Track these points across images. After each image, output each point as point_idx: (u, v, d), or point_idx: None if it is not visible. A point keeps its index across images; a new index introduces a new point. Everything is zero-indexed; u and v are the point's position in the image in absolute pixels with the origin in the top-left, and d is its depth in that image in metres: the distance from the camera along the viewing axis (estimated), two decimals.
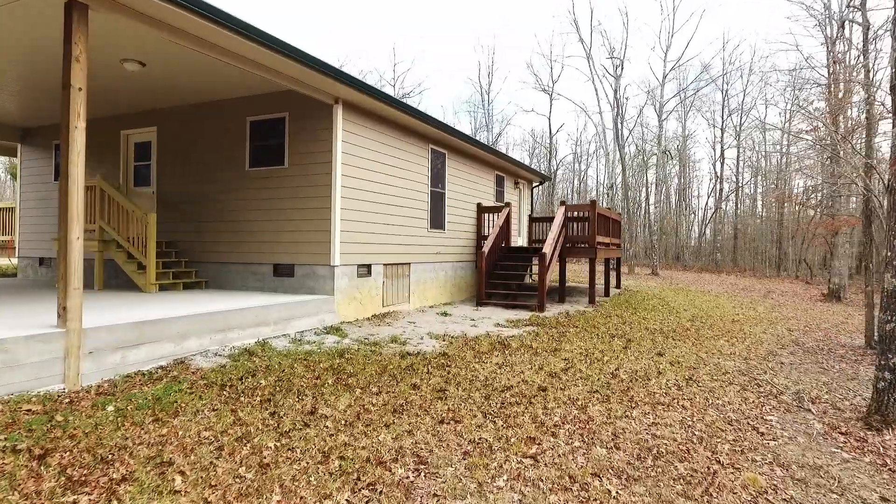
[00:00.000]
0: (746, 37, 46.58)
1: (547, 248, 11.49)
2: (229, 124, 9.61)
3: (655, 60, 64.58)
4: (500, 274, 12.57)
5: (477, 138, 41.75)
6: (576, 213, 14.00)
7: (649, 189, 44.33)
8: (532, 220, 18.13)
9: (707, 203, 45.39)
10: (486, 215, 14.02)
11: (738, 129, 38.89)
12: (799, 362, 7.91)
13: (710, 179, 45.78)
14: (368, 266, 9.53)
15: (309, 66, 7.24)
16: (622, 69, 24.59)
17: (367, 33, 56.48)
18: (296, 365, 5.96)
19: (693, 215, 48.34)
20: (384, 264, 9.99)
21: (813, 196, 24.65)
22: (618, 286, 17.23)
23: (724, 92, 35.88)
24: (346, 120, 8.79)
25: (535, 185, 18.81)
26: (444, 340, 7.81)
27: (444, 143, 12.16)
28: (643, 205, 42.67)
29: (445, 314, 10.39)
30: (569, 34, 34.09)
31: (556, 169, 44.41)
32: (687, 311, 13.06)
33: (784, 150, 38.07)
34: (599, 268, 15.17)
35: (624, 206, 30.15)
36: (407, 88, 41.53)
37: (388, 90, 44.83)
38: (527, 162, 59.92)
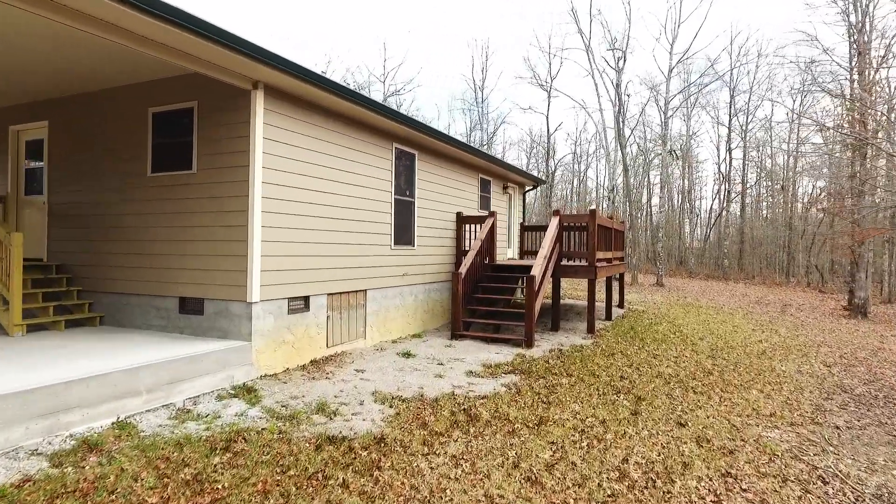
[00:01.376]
0: (758, 28, 44.55)
1: (536, 270, 9.43)
2: (128, 117, 7.56)
3: (661, 53, 62.45)
4: (480, 298, 10.52)
5: (467, 140, 39.72)
6: (573, 224, 11.97)
7: (652, 190, 42.33)
8: (524, 228, 16.10)
9: (712, 205, 43.39)
10: (468, 226, 11.97)
11: (744, 128, 36.89)
12: (858, 424, 5.95)
13: (715, 180, 43.80)
14: (305, 298, 7.47)
15: (206, 38, 5.20)
16: (624, 62, 22.56)
17: (354, 29, 54.42)
18: (145, 473, 3.91)
19: (697, 218, 46.33)
20: (329, 294, 7.92)
21: (838, 201, 22.60)
22: (621, 304, 15.17)
23: (732, 88, 33.84)
24: (269, 111, 6.73)
25: (527, 189, 16.76)
26: (390, 407, 5.76)
27: (413, 141, 10.11)
28: (645, 206, 40.64)
29: (408, 355, 8.31)
30: (567, 24, 31.98)
31: (555, 169, 42.36)
32: (703, 339, 11.01)
33: (793, 150, 36.05)
34: (601, 285, 13.16)
35: (625, 208, 28.10)
36: (398, 85, 39.55)
37: (378, 88, 42.82)
38: (524, 162, 57.80)
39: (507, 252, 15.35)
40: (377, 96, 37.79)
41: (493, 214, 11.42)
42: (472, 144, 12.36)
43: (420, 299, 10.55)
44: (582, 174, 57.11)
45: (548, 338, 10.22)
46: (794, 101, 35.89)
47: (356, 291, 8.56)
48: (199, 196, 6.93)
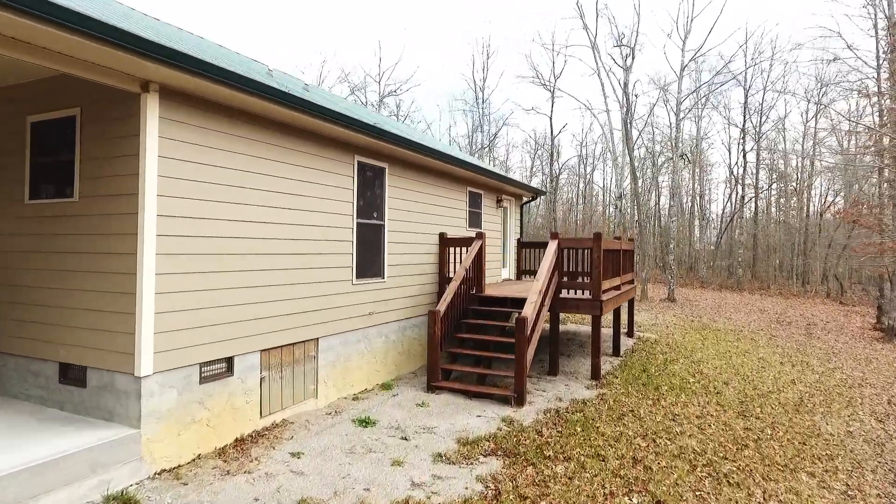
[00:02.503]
0: (777, 23, 42.49)
1: (528, 310, 7.76)
2: (4, 128, 5.96)
3: (672, 50, 60.33)
4: (464, 338, 8.84)
5: (469, 142, 37.99)
6: (575, 246, 10.31)
7: (660, 192, 40.49)
8: (522, 245, 14.43)
9: (724, 209, 41.51)
10: (454, 249, 10.30)
11: (757, 129, 35.03)
12: None
13: (726, 183, 41.95)
14: (228, 360, 5.83)
15: (58, 25, 3.59)
16: (632, 60, 20.82)
17: (348, 27, 52.77)
18: None
19: (707, 222, 44.45)
20: (264, 350, 6.28)
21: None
22: (630, 332, 13.45)
23: (746, 88, 32.01)
24: (169, 121, 5.09)
25: (525, 201, 15.07)
26: None
27: (382, 153, 8.46)
28: (654, 208, 38.81)
29: (367, 422, 6.64)
30: (572, 19, 30.01)
31: (559, 173, 40.67)
32: (728, 384, 9.32)
33: (809, 152, 34.17)
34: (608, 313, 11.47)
35: (633, 214, 26.34)
36: (394, 85, 37.98)
37: (374, 88, 41.22)
38: (528, 165, 56.07)
39: (502, 272, 13.68)
40: (373, 97, 36.20)
41: (480, 236, 9.75)
42: (461, 155, 10.73)
43: (392, 340, 8.89)
44: (588, 176, 55.44)
45: (543, 387, 8.54)
46: (809, 101, 34.01)
47: (304, 342, 6.90)
48: (82, 232, 5.31)
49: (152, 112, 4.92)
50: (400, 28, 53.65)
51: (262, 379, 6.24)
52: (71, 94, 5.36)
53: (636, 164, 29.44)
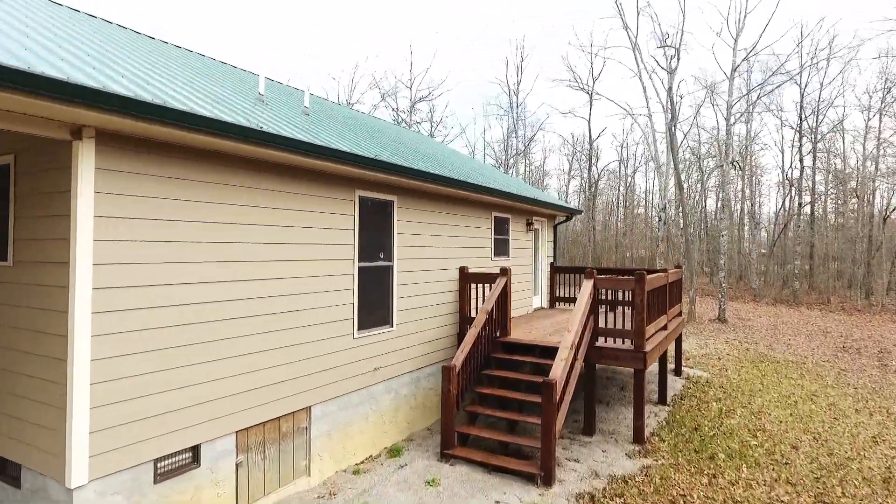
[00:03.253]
0: (840, 17, 39.51)
1: (557, 371, 6.58)
2: None
3: (722, 49, 57.42)
4: (485, 394, 7.72)
5: (503, 146, 36.60)
6: (614, 285, 9.08)
7: (706, 193, 38.22)
8: (556, 270, 13.21)
9: (777, 215, 38.93)
10: (476, 286, 9.20)
11: (814, 130, 32.51)
12: None
13: (780, 187, 39.38)
14: (193, 449, 4.90)
15: None
16: (677, 61, 19.18)
17: (379, 32, 52.14)
18: None
19: (758, 228, 41.85)
20: (240, 431, 5.34)
21: None
22: (678, 370, 12.03)
23: (803, 87, 29.68)
24: (108, 171, 4.18)
25: (559, 221, 13.82)
26: None
27: (388, 185, 7.45)
28: (699, 213, 36.62)
29: None
30: (611, 18, 28.20)
31: (598, 178, 38.98)
32: (798, 448, 7.90)
33: (873, 153, 31.52)
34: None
35: (679, 221, 24.59)
36: (425, 91, 37.05)
37: (405, 94, 40.45)
38: (566, 169, 54.41)
39: (533, 301, 12.48)
40: (404, 103, 35.40)
41: (504, 273, 8.62)
42: (486, 176, 9.56)
43: (403, 394, 7.85)
44: (629, 178, 53.36)
45: (577, 453, 7.33)
46: (872, 98, 31.37)
47: (292, 413, 5.94)
48: (16, 303, 4.47)
49: (87, 163, 4.03)
50: (431, 31, 52.79)
51: (238, 465, 5.30)
52: (3, 137, 4.53)
53: (681, 168, 27.56)
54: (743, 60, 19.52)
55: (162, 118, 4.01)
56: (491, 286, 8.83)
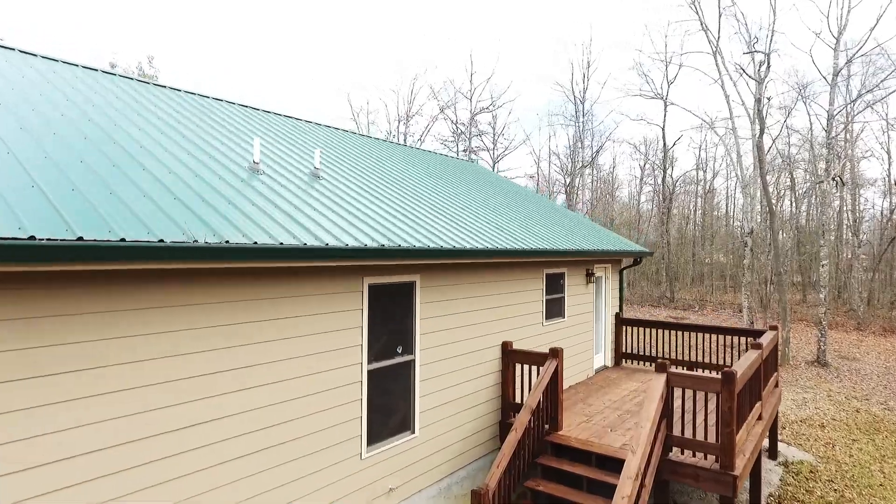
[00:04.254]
0: None
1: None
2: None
3: (821, 50, 51.91)
4: None
5: (569, 155, 34.36)
6: (693, 388, 7.38)
7: (797, 199, 34.35)
8: (623, 322, 11.53)
9: (884, 229, 34.49)
10: (521, 367, 7.77)
11: None
12: None
13: (886, 196, 34.94)
14: None
15: None
16: (767, 68, 16.62)
17: (439, 41, 51.10)
18: None
19: (860, 243, 37.32)
20: None
21: None
22: (773, 453, 9.97)
23: None
24: None
25: (626, 265, 12.06)
26: None
27: (408, 266, 6.18)
28: (791, 226, 32.93)
29: None
30: (689, 22, 25.30)
31: (673, 190, 36.11)
32: None
33: None
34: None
35: (769, 258, 21.82)
36: (486, 101, 35.67)
37: (465, 105, 39.25)
38: (637, 177, 51.44)
39: (594, 360, 10.84)
40: (464, 115, 34.18)
41: (555, 355, 7.13)
42: (530, 243, 7.99)
43: None
44: (708, 184, 49.64)
45: None
46: None
47: None
48: None
49: None
50: (493, 38, 51.27)
51: None
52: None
53: (769, 173, 24.44)
54: (847, 63, 16.76)
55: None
56: (538, 369, 7.38)
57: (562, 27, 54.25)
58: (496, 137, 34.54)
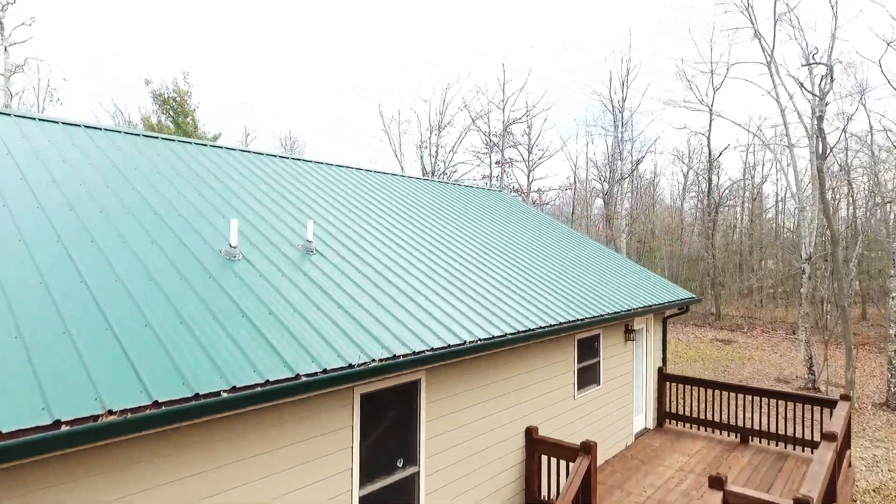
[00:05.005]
0: None
1: None
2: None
3: (892, 61, 47.99)
4: None
5: (607, 164, 32.80)
6: None
7: (854, 205, 31.79)
8: (666, 378, 10.38)
9: None
10: (547, 459, 6.74)
11: None
12: None
13: None
14: None
15: None
16: (830, 82, 14.91)
17: (471, 50, 49.95)
18: None
19: None
20: None
21: None
22: None
23: None
24: None
25: (670, 314, 10.82)
26: None
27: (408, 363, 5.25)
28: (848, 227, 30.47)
29: None
30: (743, 29, 23.10)
31: (718, 202, 34.15)
32: None
33: None
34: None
35: (832, 292, 20.02)
36: (519, 111, 34.46)
37: (497, 116, 38.18)
38: (680, 181, 49.40)
39: (633, 423, 9.68)
40: (496, 125, 33.09)
41: (588, 451, 6.08)
42: (558, 315, 7.00)
43: None
44: (755, 190, 47.05)
45: None
46: None
47: None
48: None
49: None
50: (526, 46, 49.88)
51: None
52: None
53: (833, 216, 22.33)
54: None
55: None
56: (568, 464, 6.36)
57: (600, 31, 52.44)
58: (531, 146, 33.31)
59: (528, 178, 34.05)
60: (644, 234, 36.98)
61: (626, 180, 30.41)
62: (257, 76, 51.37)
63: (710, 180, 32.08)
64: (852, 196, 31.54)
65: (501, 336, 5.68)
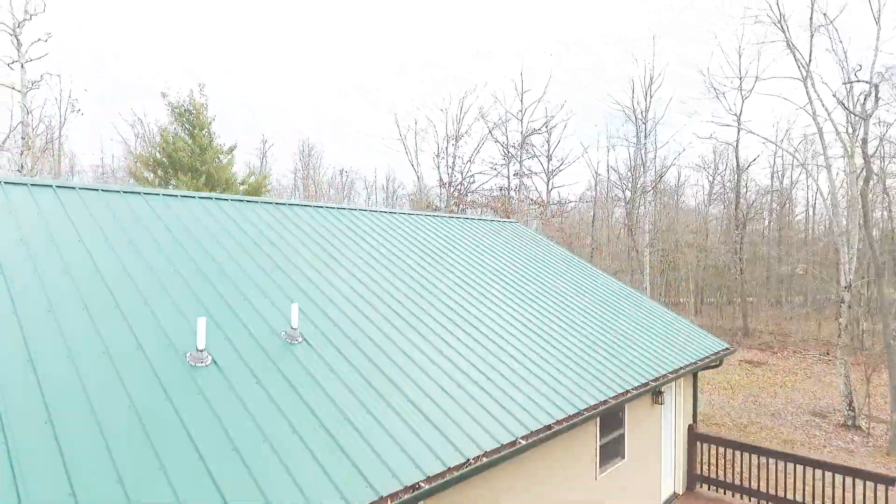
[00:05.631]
0: None
1: None
2: None
3: None
4: None
5: (630, 173, 31.73)
6: None
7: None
8: (697, 438, 9.53)
9: None
10: None
11: None
12: None
13: None
14: None
15: None
16: (875, 101, 13.76)
17: (489, 60, 49.01)
18: None
19: None
20: None
21: None
22: None
23: None
24: None
25: (702, 367, 9.92)
26: None
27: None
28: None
29: None
30: (775, 42, 21.41)
31: (746, 216, 32.82)
32: None
33: None
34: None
35: (879, 326, 18.75)
36: (538, 121, 33.54)
37: (515, 127, 37.31)
38: (705, 188, 48.09)
39: (661, 488, 8.85)
40: (514, 137, 32.28)
41: None
42: (579, 406, 6.19)
43: None
44: (783, 199, 45.39)
45: None
46: None
47: None
48: None
49: None
50: (545, 54, 48.86)
51: None
52: None
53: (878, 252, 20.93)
54: None
55: None
56: None
57: (623, 37, 51.19)
58: (550, 152, 32.37)
59: (548, 185, 33.12)
60: (668, 246, 35.69)
61: (648, 195, 29.29)
62: (257, 76, 51.30)
63: (737, 192, 30.80)
64: (889, 209, 29.93)
65: (511, 443, 4.92)
